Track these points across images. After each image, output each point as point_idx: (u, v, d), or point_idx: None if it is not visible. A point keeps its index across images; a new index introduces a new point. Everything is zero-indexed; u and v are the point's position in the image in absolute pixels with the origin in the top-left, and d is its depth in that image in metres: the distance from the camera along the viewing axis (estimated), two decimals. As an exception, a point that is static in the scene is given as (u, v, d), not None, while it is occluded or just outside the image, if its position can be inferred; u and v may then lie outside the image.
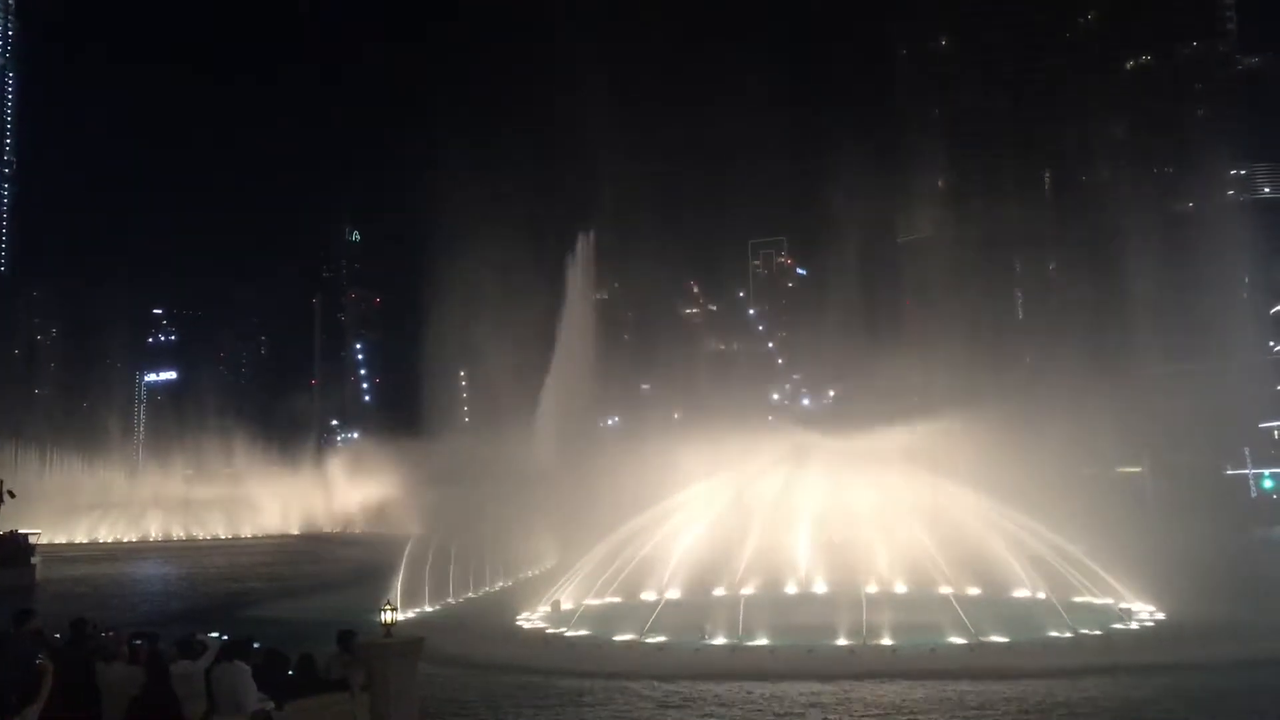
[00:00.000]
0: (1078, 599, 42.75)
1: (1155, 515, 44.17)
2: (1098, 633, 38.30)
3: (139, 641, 21.21)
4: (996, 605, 39.63)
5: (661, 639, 38.16)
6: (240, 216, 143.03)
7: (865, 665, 34.14)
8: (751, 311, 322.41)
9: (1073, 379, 44.61)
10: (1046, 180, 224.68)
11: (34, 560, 75.04)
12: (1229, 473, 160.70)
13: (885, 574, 49.01)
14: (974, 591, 43.66)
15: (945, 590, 40.51)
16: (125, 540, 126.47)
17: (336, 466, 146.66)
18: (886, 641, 36.33)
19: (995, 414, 47.80)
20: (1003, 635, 36.83)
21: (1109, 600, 43.08)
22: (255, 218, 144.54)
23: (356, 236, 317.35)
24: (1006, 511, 45.53)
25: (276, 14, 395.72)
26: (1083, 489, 49.03)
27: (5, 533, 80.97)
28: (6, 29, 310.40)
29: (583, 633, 40.47)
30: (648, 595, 45.10)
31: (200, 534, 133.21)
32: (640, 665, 35.16)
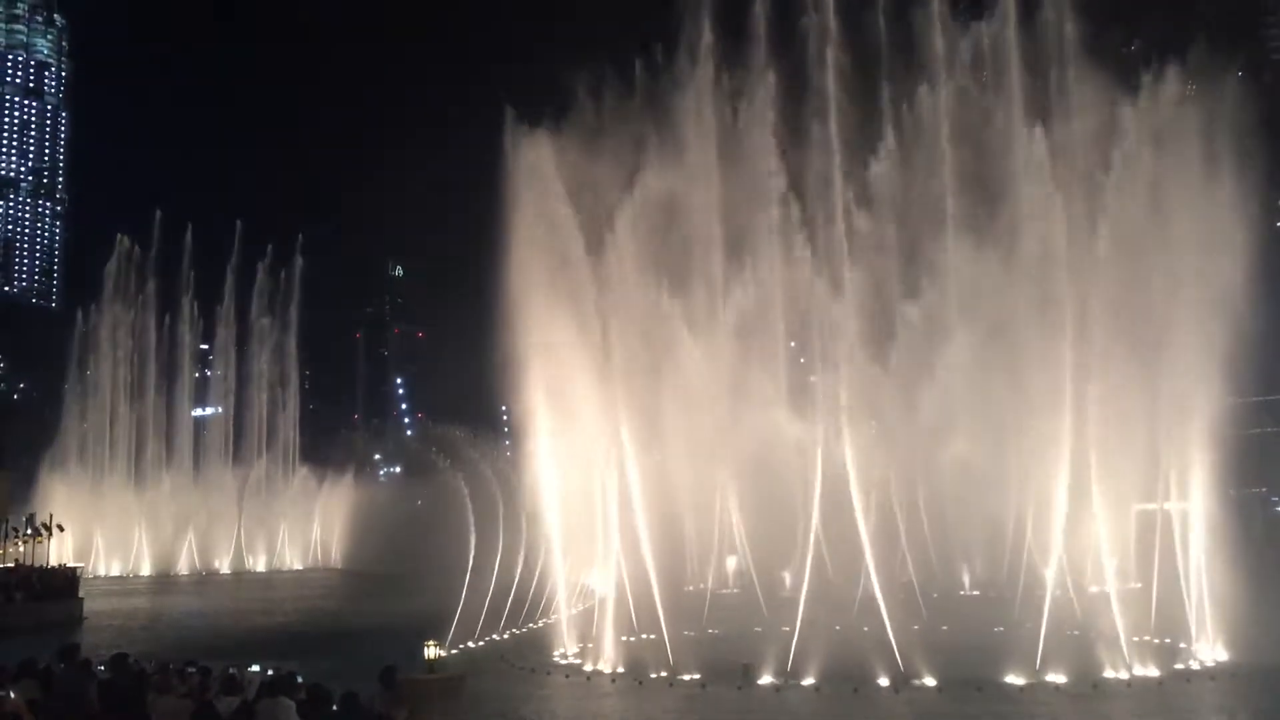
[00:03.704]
0: (1134, 638, 41.71)
1: (1210, 552, 43.04)
2: (1155, 673, 37.34)
3: (191, 670, 21.30)
4: (1050, 644, 38.69)
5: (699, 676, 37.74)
6: (284, 252, 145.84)
7: (906, 709, 33.48)
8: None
9: (1118, 410, 43.85)
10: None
11: (81, 594, 75.57)
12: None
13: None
14: (1028, 629, 42.75)
15: (999, 629, 39.66)
16: (171, 573, 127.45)
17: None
18: (929, 681, 35.60)
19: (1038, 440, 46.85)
20: (1057, 675, 36.02)
21: (1168, 640, 42.07)
22: (299, 254, 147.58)
23: (400, 271, 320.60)
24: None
25: (315, 51, 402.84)
26: (1134, 524, 48.02)
27: (52, 566, 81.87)
28: (60, 70, 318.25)
29: (622, 670, 40.09)
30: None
31: (245, 566, 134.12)
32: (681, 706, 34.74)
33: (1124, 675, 36.72)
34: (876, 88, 63.25)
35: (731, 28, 61.36)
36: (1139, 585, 44.87)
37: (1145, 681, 36.44)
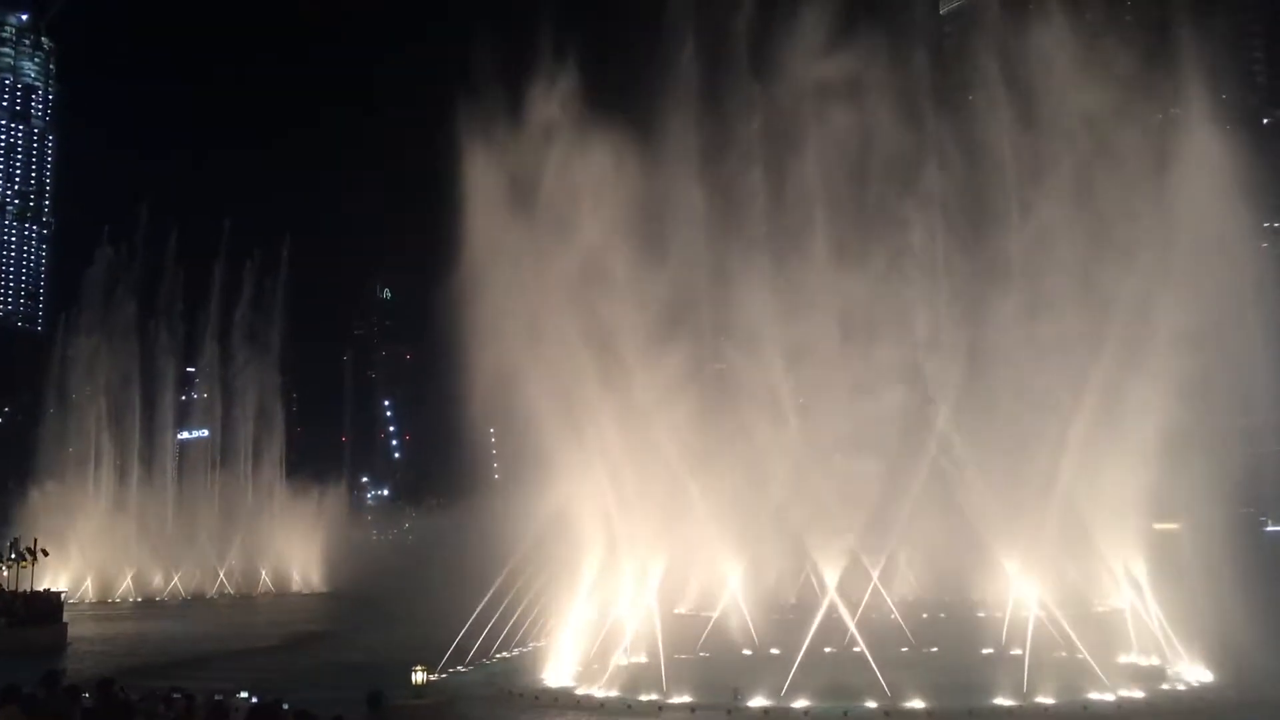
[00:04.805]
0: (1122, 659, 41.82)
1: (1197, 573, 43.18)
2: (1140, 695, 37.37)
3: (176, 696, 21.17)
4: (1039, 666, 38.70)
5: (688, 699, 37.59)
6: (272, 273, 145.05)
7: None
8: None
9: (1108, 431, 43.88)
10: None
11: (65, 619, 75.02)
12: (1269, 529, 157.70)
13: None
14: (1015, 652, 42.73)
15: (987, 650, 39.69)
16: (157, 597, 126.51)
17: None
18: (918, 704, 35.52)
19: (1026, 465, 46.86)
20: (1046, 697, 36.00)
21: (1155, 661, 42.10)
22: (286, 275, 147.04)
23: (388, 294, 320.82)
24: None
25: (307, 75, 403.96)
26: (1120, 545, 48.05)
27: (36, 591, 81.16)
28: (47, 93, 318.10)
29: (612, 694, 39.89)
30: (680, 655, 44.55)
31: (230, 590, 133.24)
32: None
33: (1110, 697, 36.73)
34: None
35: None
36: (1125, 606, 44.85)
37: (1133, 703, 36.48)
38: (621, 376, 46.47)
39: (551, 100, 51.08)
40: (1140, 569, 44.00)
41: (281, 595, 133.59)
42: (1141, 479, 42.83)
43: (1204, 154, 46.02)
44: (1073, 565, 44.68)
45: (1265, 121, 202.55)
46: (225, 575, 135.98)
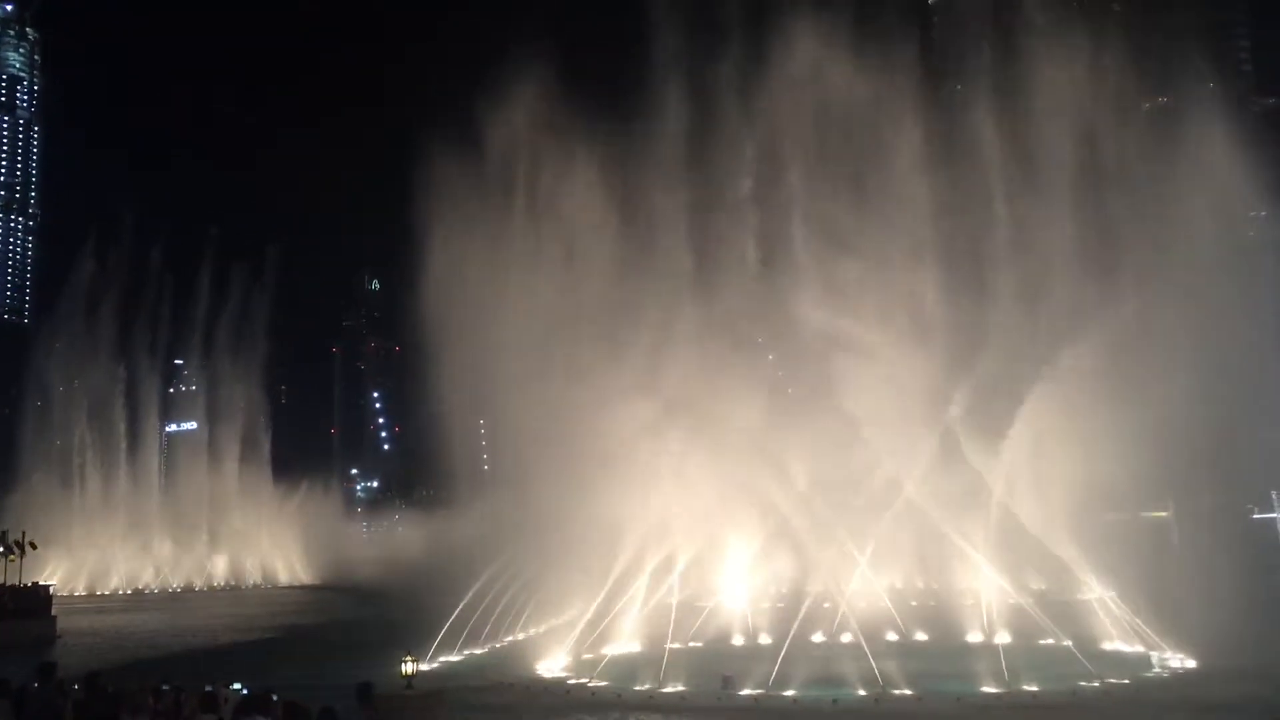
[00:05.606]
0: (1106, 646, 42.05)
1: (1183, 561, 43.41)
2: (1126, 681, 37.59)
3: (165, 688, 21.12)
4: (1026, 653, 38.86)
5: (680, 689, 37.69)
6: (259, 266, 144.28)
7: (890, 715, 33.60)
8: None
9: (1089, 418, 43.95)
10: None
11: (54, 612, 74.89)
12: (1256, 517, 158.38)
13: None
14: (1002, 640, 42.96)
15: (974, 638, 39.88)
16: (145, 590, 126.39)
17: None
18: (907, 692, 35.69)
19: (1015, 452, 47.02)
20: (1033, 684, 36.19)
21: (1140, 649, 42.33)
22: (274, 267, 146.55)
23: (376, 285, 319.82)
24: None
25: (291, 66, 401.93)
26: (1107, 534, 48.28)
27: (26, 584, 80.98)
28: (33, 84, 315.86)
29: (604, 684, 39.93)
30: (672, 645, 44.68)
31: (218, 583, 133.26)
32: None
33: (1097, 684, 36.94)
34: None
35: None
36: (1112, 593, 45.12)
37: (1120, 689, 36.66)
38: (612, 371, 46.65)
39: (524, 98, 51.33)
40: (1127, 559, 44.23)
41: (271, 588, 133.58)
42: (1130, 469, 43.03)
43: (1195, 143, 46.17)
44: (1058, 556, 44.84)
45: (1255, 109, 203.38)
46: (214, 568, 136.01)
